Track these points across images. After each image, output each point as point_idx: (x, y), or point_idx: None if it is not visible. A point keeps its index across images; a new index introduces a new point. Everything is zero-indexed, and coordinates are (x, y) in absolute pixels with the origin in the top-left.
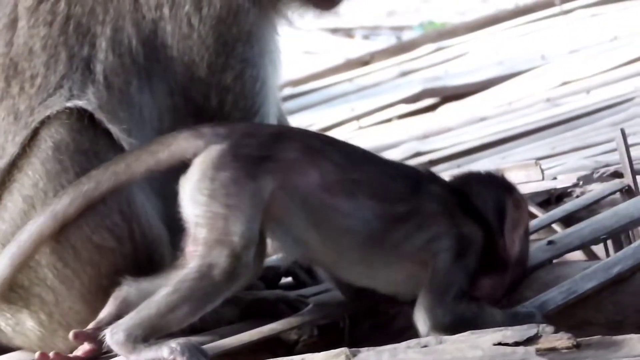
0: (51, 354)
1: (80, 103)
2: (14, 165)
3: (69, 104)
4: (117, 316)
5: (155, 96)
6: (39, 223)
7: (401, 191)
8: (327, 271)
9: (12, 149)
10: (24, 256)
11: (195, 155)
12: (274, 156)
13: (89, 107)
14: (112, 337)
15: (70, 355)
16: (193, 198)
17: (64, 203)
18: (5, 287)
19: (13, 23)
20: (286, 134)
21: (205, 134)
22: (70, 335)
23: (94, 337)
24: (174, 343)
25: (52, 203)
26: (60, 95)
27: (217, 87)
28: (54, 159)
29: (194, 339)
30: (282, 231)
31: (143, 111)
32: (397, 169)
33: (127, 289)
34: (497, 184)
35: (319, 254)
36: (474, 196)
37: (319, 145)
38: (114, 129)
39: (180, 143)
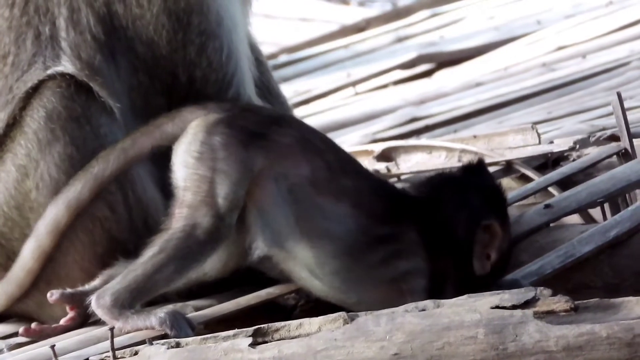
0: (33, 325)
1: (58, 69)
2: (6, 136)
3: (49, 72)
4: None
5: (120, 73)
6: (54, 214)
7: (386, 213)
8: (298, 281)
9: None
10: (44, 251)
11: None
12: (268, 136)
13: (69, 71)
14: (98, 301)
15: (54, 324)
16: (182, 161)
17: (77, 189)
18: (34, 278)
19: None
20: (286, 120)
21: (209, 107)
22: (48, 294)
23: (73, 300)
24: (162, 313)
25: (64, 191)
26: (36, 69)
27: (183, 64)
28: (46, 128)
29: (191, 303)
30: (263, 220)
31: (115, 84)
32: (384, 188)
33: (116, 268)
34: (471, 203)
35: (295, 254)
36: (446, 216)
37: (316, 142)
38: (102, 92)
39: (185, 115)
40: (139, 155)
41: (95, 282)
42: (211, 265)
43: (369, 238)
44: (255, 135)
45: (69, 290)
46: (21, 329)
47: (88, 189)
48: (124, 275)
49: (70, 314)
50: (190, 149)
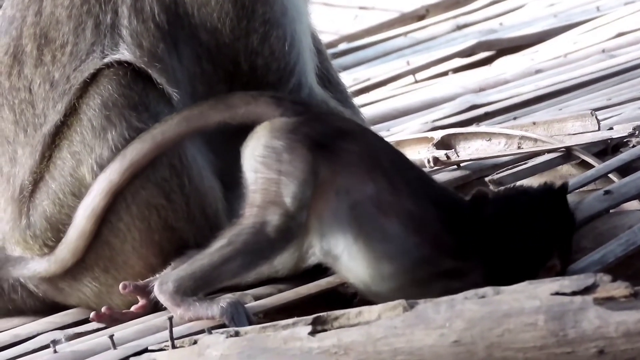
0: (103, 309)
1: (116, 57)
2: (64, 124)
3: (106, 60)
4: None
5: (183, 62)
6: (108, 173)
7: (452, 246)
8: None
9: (54, 117)
10: (95, 210)
11: None
12: (332, 148)
13: (127, 59)
14: (161, 287)
15: (124, 310)
16: (249, 165)
17: (133, 149)
18: (88, 242)
19: None
20: (354, 134)
21: (284, 106)
22: (120, 286)
23: (146, 291)
24: (224, 303)
25: (122, 151)
26: (94, 59)
27: (245, 52)
28: (101, 115)
29: (251, 292)
30: (321, 229)
31: (176, 73)
32: (454, 215)
33: (187, 257)
34: (539, 241)
35: (350, 268)
36: (513, 250)
37: (384, 161)
38: (160, 79)
39: (260, 105)
40: (203, 128)
41: (165, 271)
42: (283, 263)
43: (431, 270)
44: (319, 145)
45: (140, 282)
46: (92, 314)
47: (145, 150)
48: (190, 263)
49: (142, 301)
50: (255, 154)
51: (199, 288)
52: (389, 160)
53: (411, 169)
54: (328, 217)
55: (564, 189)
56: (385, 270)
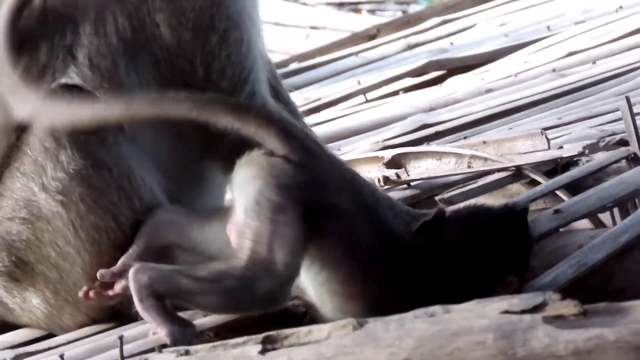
0: (91, 293)
1: (63, 80)
2: (15, 146)
3: (53, 85)
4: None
5: (140, 74)
6: None
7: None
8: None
9: (1, 143)
10: None
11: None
12: (320, 227)
13: (75, 82)
14: (136, 274)
15: (110, 292)
16: (241, 197)
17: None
18: None
19: None
20: (340, 213)
21: (278, 135)
22: (98, 273)
23: (122, 274)
24: (178, 326)
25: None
26: (44, 83)
27: (202, 53)
28: (50, 137)
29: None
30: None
31: (130, 92)
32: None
33: (160, 219)
34: (498, 259)
35: (312, 297)
36: (471, 270)
37: (363, 248)
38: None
39: (250, 121)
40: (175, 119)
41: (138, 244)
42: None
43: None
44: (310, 220)
45: (114, 267)
46: (81, 292)
47: (117, 110)
48: (174, 270)
49: (120, 283)
50: (249, 192)
51: (167, 297)
52: (366, 245)
53: (387, 249)
54: (315, 265)
55: (525, 210)
56: (349, 312)
